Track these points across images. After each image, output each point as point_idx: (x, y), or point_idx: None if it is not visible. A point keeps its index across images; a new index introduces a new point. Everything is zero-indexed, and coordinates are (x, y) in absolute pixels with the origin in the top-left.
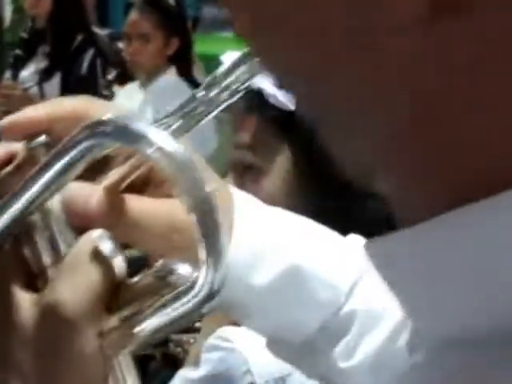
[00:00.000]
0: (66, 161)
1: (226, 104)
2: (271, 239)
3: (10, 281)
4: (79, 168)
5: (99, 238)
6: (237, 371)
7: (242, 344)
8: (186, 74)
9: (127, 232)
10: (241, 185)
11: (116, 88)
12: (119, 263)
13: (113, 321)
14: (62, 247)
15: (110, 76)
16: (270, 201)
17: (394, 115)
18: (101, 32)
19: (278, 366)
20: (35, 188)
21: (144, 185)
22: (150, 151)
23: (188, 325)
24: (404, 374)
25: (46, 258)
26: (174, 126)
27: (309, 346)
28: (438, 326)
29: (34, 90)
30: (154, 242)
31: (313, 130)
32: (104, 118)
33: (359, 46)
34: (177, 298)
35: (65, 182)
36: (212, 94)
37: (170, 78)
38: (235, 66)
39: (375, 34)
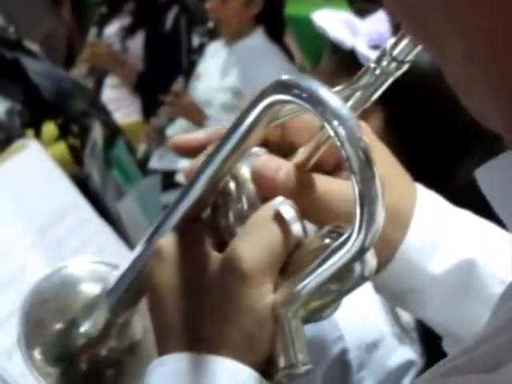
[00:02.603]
0: (254, 116)
1: (396, 75)
2: (448, 231)
3: (205, 246)
4: (264, 123)
5: (281, 204)
6: (329, 337)
7: None
8: (275, 36)
9: (310, 207)
10: None
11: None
12: (297, 229)
13: (285, 280)
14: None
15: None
16: None
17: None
18: None
19: (370, 331)
20: (228, 145)
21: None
22: (330, 119)
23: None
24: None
25: (237, 228)
26: (352, 99)
27: None
28: None
29: (118, 46)
30: (335, 220)
31: (408, 90)
32: (291, 78)
33: None
34: (332, 253)
35: (252, 139)
36: (383, 65)
37: (258, 39)
38: (401, 37)
39: None
